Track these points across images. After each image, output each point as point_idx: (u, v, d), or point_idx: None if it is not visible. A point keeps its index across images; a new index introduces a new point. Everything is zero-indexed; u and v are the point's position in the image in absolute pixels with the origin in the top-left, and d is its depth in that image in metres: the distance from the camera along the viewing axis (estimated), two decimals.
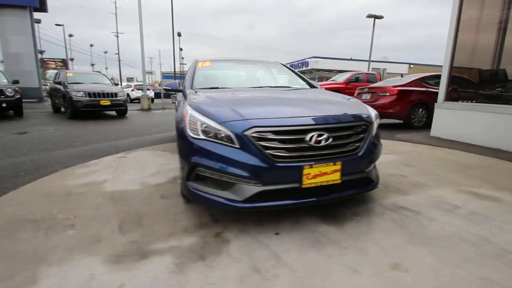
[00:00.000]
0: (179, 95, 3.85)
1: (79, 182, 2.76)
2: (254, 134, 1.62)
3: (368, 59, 25.31)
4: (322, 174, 1.68)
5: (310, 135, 1.66)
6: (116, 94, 8.12)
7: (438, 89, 6.04)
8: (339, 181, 1.74)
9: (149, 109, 11.78)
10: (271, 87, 2.81)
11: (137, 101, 16.49)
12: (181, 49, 21.17)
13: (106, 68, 42.22)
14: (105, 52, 44.97)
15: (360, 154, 1.81)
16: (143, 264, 1.49)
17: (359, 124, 1.86)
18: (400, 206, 2.16)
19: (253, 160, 1.60)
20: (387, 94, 6.11)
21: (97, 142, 4.78)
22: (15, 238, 1.75)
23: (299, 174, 1.64)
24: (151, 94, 17.55)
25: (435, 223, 1.91)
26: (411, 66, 35.01)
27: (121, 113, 8.81)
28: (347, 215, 2.00)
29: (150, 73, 54.40)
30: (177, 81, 3.08)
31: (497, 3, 4.49)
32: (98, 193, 2.48)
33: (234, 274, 1.41)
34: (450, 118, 4.76)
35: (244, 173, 1.61)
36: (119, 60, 40.11)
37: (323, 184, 1.71)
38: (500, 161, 3.48)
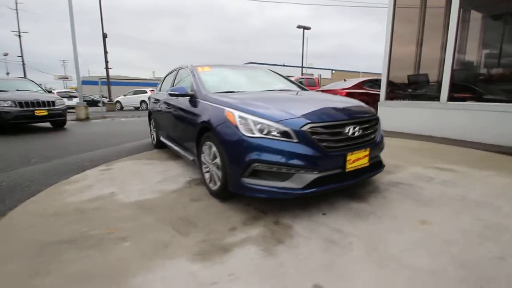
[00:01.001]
0: (162, 101, 3.77)
1: (81, 198, 2.50)
2: (309, 130, 1.89)
3: (298, 65, 27.84)
4: (358, 159, 2.06)
5: (348, 128, 2.03)
6: (53, 103, 7.03)
7: (374, 91, 7.31)
8: (367, 164, 2.15)
9: (87, 118, 10.46)
10: (281, 90, 3.08)
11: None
12: (106, 52, 18.68)
13: (8, 73, 34.68)
14: (5, 55, 37.11)
15: (377, 141, 2.27)
16: (231, 256, 1.59)
17: (374, 118, 2.32)
18: (396, 182, 2.72)
19: (311, 151, 1.87)
20: (338, 95, 7.06)
21: (59, 157, 4.18)
22: (65, 260, 1.59)
23: (344, 160, 1.98)
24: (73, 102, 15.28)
25: (426, 190, 2.50)
26: (333, 72, 39.84)
27: (59, 124, 7.66)
28: (365, 194, 2.44)
29: (66, 78, 47.32)
30: (183, 86, 3.03)
31: (415, 27, 5.81)
32: (117, 205, 2.33)
33: (315, 248, 1.65)
34: (391, 113, 5.87)
35: (304, 163, 1.86)
36: (23, 64, 33.80)
37: (358, 168, 2.09)
38: (435, 144, 4.53)
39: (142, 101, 18.94)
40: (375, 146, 2.24)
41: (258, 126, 1.93)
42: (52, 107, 6.97)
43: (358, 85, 7.36)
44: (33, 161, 3.92)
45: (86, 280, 1.42)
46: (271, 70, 3.87)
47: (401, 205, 2.21)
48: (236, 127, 2.00)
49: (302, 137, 1.87)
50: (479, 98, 4.76)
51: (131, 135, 6.31)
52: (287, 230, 1.85)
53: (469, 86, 4.94)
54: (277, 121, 1.92)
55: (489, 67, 5.06)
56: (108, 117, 11.78)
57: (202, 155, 2.54)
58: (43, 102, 6.82)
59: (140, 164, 3.69)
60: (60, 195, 2.61)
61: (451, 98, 4.92)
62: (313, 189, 1.92)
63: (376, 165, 2.37)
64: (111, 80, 19.86)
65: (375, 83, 7.59)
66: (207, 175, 2.53)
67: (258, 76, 3.52)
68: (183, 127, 3.02)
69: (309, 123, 1.90)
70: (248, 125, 1.97)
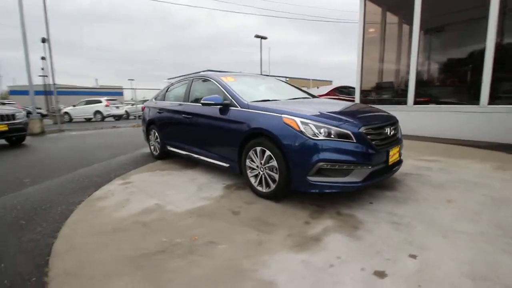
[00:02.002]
0: (172, 111, 3.77)
1: (129, 212, 2.43)
2: (364, 131, 2.23)
3: (253, 73, 28.79)
4: (394, 154, 2.47)
5: (387, 128, 2.43)
6: (13, 116, 6.19)
7: (345, 96, 8.16)
8: (398, 159, 2.59)
9: (42, 132, 9.30)
10: (304, 98, 3.38)
11: None
12: (43, 58, 16.52)
13: None
14: None
15: (401, 139, 2.73)
16: (326, 243, 1.81)
17: (396, 120, 2.78)
18: (405, 173, 3.24)
19: (366, 150, 2.20)
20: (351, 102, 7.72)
21: (56, 175, 3.80)
22: (175, 268, 1.62)
23: (387, 155, 2.36)
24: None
25: (432, 177, 3.05)
26: (287, 79, 41.97)
27: (19, 139, 6.74)
28: (390, 184, 2.87)
29: None
30: (216, 95, 3.08)
31: (378, 46, 6.76)
32: (174, 215, 2.34)
33: (387, 229, 1.97)
34: None
35: (362, 160, 2.19)
36: None
37: (394, 161, 2.50)
38: (414, 141, 5.33)
39: (97, 112, 17.43)
40: (401, 142, 2.70)
41: (321, 130, 2.20)
42: (12, 121, 6.13)
43: (332, 92, 8.14)
44: (28, 182, 3.51)
45: (215, 281, 1.49)
46: (278, 79, 4.17)
47: (424, 189, 2.69)
48: (301, 132, 2.23)
49: (360, 138, 2.20)
50: (437, 102, 5.76)
51: (114, 149, 5.93)
52: (353, 219, 2.14)
53: (428, 92, 5.95)
54: (337, 125, 2.22)
55: (439, 75, 6.17)
56: (66, 130, 10.64)
57: (248, 161, 2.69)
58: (1, 116, 5.97)
59: (158, 175, 3.60)
60: (101, 212, 2.48)
61: (416, 102, 5.85)
62: (369, 182, 2.26)
63: (400, 160, 2.83)
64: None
65: (344, 90, 8.48)
66: (253, 179, 2.68)
67: (275, 85, 3.78)
68: (215, 135, 3.10)
69: (363, 125, 2.25)
70: (311, 129, 2.22)
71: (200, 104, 3.22)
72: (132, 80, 32.76)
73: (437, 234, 1.88)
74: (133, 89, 19.01)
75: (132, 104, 18.74)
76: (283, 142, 2.31)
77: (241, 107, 2.82)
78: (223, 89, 3.13)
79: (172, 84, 4.42)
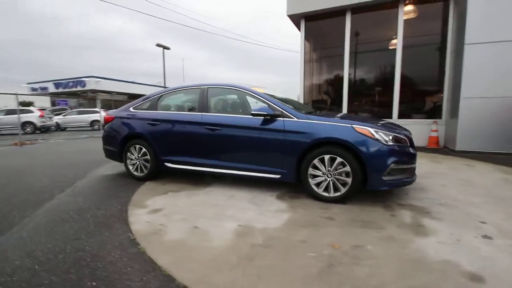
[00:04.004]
0: (181, 122, 3.43)
1: (223, 239, 2.08)
2: (410, 137, 2.85)
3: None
4: None
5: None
6: None
7: None
8: None
9: None
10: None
11: None
12: None
13: None
14: None
15: None
16: (429, 227, 2.25)
17: None
18: None
19: (413, 151, 2.82)
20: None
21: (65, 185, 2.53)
22: (365, 275, 1.64)
23: (416, 157, 3.08)
24: None
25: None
26: None
27: None
28: None
29: None
30: (265, 106, 2.89)
31: (310, 72, 8.09)
32: (274, 231, 2.20)
33: (445, 209, 2.61)
34: None
35: (412, 160, 2.78)
36: None
37: None
38: None
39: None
40: None
41: (390, 137, 2.66)
42: None
43: None
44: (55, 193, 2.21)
45: (410, 273, 1.63)
46: None
47: (434, 180, 3.58)
48: (377, 140, 2.61)
49: (410, 142, 2.81)
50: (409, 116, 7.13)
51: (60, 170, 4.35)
52: (416, 207, 2.69)
53: (355, 110, 7.57)
54: (398, 133, 2.74)
55: (364, 97, 8.00)
56: None
57: (310, 169, 2.81)
58: None
59: (182, 196, 3.07)
60: (185, 246, 1.98)
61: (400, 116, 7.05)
62: (415, 177, 2.88)
63: None
64: None
65: None
66: (315, 187, 2.83)
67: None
68: (263, 146, 3.01)
69: (409, 134, 2.86)
70: (382, 137, 2.64)
71: (236, 115, 3.05)
72: None
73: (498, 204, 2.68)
74: None
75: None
76: (360, 149, 2.62)
77: (298, 118, 2.92)
78: (266, 100, 3.10)
79: (163, 92, 3.82)
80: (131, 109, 3.92)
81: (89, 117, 17.41)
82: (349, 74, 7.19)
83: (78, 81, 27.12)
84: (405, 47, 6.51)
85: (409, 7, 6.48)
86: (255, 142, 3.07)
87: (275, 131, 2.96)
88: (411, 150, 2.81)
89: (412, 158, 2.80)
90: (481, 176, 3.80)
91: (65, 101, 18.71)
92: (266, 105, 3.05)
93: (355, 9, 6.83)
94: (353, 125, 2.73)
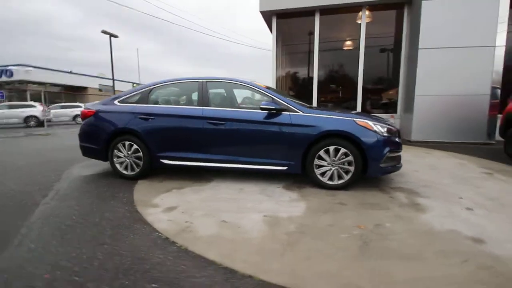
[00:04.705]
0: (180, 117, 3.34)
1: (258, 229, 2.14)
2: (398, 128, 3.25)
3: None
4: None
5: None
6: None
7: None
8: None
9: None
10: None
11: None
12: None
13: None
14: None
15: None
16: (425, 205, 2.64)
17: None
18: None
19: (399, 140, 3.23)
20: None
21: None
22: (406, 245, 1.89)
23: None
24: None
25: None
26: (135, 84, 38.00)
27: None
28: None
29: None
30: (270, 101, 2.91)
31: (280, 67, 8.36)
32: (299, 218, 2.35)
33: (434, 190, 3.07)
34: None
35: (400, 148, 3.18)
36: None
37: None
38: None
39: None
40: None
41: (385, 129, 2.99)
42: None
43: None
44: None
45: (426, 244, 1.94)
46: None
47: (406, 167, 4.09)
48: (375, 131, 2.91)
49: (399, 132, 3.20)
50: None
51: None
52: (407, 190, 3.10)
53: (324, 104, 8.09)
54: (390, 125, 3.10)
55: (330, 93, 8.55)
56: None
57: (316, 159, 3.01)
58: None
59: (189, 193, 2.97)
60: (220, 240, 1.98)
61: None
62: (401, 164, 3.30)
63: None
64: None
65: None
66: (320, 177, 3.05)
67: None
68: (270, 140, 3.09)
69: (395, 125, 3.27)
70: (379, 129, 2.96)
71: (240, 109, 3.10)
72: None
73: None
74: None
75: None
76: (362, 140, 2.90)
77: (303, 112, 3.08)
78: (270, 95, 3.19)
79: (154, 85, 3.58)
80: (116, 102, 3.61)
81: (23, 112, 15.06)
82: (318, 71, 7.65)
83: (3, 70, 23.00)
84: (365, 48, 7.20)
85: (368, 12, 7.17)
86: (261, 136, 3.15)
87: (282, 125, 3.08)
88: (398, 139, 3.22)
89: (399, 146, 3.20)
90: (441, 161, 4.51)
91: (1, 92, 15.85)
92: (271, 99, 3.14)
93: (323, 10, 7.27)
94: (354, 119, 3.01)
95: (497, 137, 5.78)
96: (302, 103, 3.33)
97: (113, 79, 21.93)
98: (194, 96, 3.45)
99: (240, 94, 4.32)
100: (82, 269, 1.63)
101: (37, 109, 15.08)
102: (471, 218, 2.33)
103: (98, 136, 3.54)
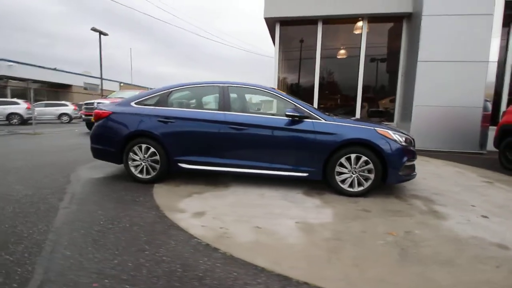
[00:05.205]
0: (204, 121, 3.32)
1: (296, 234, 2.16)
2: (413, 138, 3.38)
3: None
4: None
5: None
6: None
7: None
8: None
9: None
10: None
11: None
12: None
13: None
14: None
15: None
16: (443, 212, 2.76)
17: None
18: None
19: (415, 150, 3.36)
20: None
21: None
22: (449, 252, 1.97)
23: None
24: None
25: None
26: (122, 84, 37.07)
27: None
28: None
29: None
30: (296, 108, 2.93)
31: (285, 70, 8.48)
32: (330, 224, 2.39)
33: (450, 196, 3.21)
34: None
35: (416, 158, 3.31)
36: None
37: None
38: None
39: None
40: None
41: (403, 138, 3.11)
42: None
43: None
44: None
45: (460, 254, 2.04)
46: None
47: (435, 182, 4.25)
48: (395, 140, 3.02)
49: (414, 143, 3.33)
50: None
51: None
52: (423, 197, 3.22)
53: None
54: (407, 134, 3.23)
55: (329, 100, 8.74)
56: None
57: (337, 167, 3.08)
58: None
59: (211, 198, 2.95)
60: (262, 247, 1.99)
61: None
62: (416, 172, 3.43)
63: None
64: None
65: None
66: (340, 183, 3.12)
67: None
68: (293, 146, 3.14)
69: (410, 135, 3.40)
70: (398, 138, 3.07)
71: (263, 115, 3.12)
72: None
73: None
74: None
75: None
76: (383, 148, 3.00)
77: (325, 120, 3.15)
78: (293, 102, 3.24)
79: (173, 88, 3.54)
80: (132, 104, 3.53)
81: (5, 109, 14.31)
82: (319, 78, 7.82)
83: None
84: (365, 57, 7.45)
85: (364, 24, 7.44)
86: (283, 142, 3.18)
87: (305, 132, 3.13)
88: (413, 148, 3.35)
89: (415, 155, 3.34)
90: (441, 170, 4.72)
91: None
92: (294, 106, 3.20)
93: (326, 20, 7.47)
94: (375, 128, 3.11)
95: (488, 147, 6.13)
96: (322, 111, 3.41)
97: (101, 78, 21.29)
98: (214, 101, 3.44)
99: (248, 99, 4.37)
100: (131, 277, 1.59)
101: (21, 107, 14.40)
102: (490, 225, 2.46)
103: (113, 138, 3.45)
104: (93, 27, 20.08)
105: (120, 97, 11.36)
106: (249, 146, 3.26)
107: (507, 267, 1.81)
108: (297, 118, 3.14)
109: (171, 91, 3.54)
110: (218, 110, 3.35)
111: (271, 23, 7.81)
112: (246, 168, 3.26)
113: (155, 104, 3.49)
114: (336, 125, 3.14)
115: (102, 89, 21.39)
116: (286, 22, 7.70)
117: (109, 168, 4.21)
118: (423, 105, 6.37)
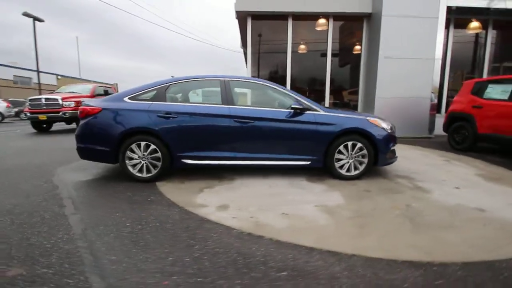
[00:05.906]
0: (206, 115, 3.31)
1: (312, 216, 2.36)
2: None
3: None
4: None
5: None
6: None
7: None
8: None
9: None
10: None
11: None
12: None
13: None
14: None
15: None
16: (432, 189, 3.25)
17: None
18: None
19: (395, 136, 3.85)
20: None
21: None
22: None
23: None
24: None
25: None
26: (59, 77, 32.76)
27: None
28: None
29: None
30: (297, 101, 3.01)
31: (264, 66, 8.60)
32: (346, 205, 2.66)
33: (429, 173, 3.76)
34: None
35: (396, 143, 3.80)
36: None
37: None
38: None
39: None
40: None
41: (389, 126, 3.53)
42: None
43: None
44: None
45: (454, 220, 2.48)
46: None
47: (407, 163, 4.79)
48: (383, 128, 3.42)
49: (395, 130, 3.81)
50: None
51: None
52: (411, 177, 3.71)
53: None
54: (390, 122, 3.67)
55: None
56: None
57: (336, 154, 3.38)
58: None
59: (224, 190, 2.98)
60: (299, 231, 2.15)
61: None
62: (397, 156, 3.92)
63: None
64: None
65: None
66: (339, 169, 3.43)
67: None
68: (296, 137, 3.32)
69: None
70: (385, 126, 3.48)
71: (266, 108, 3.28)
72: None
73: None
74: None
75: None
76: (375, 135, 3.38)
77: (324, 112, 3.40)
78: (295, 96, 3.42)
79: (171, 82, 3.40)
80: (126, 99, 3.31)
81: None
82: (291, 71, 8.15)
83: None
84: (331, 54, 8.00)
85: (330, 21, 7.98)
86: (287, 133, 3.35)
87: (307, 123, 3.34)
88: (395, 135, 3.83)
89: (396, 141, 3.82)
90: (408, 152, 5.43)
91: None
92: (295, 99, 3.38)
93: (296, 16, 7.78)
94: (367, 117, 3.47)
95: (436, 131, 7.20)
96: (319, 103, 3.66)
97: (38, 71, 18.60)
98: (216, 94, 3.42)
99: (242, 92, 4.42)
100: (198, 271, 1.60)
101: None
102: (464, 195, 3.01)
103: (106, 136, 3.20)
104: (25, 12, 17.33)
105: (70, 91, 10.21)
106: (255, 139, 3.35)
107: (492, 225, 2.28)
108: (298, 111, 3.33)
109: (169, 85, 3.41)
110: (222, 104, 3.36)
111: (242, 16, 7.82)
112: (253, 160, 3.36)
113: (152, 99, 3.33)
114: (334, 116, 3.42)
115: (40, 83, 18.74)
116: (257, 17, 7.80)
117: (93, 169, 3.88)
118: (383, 97, 7.16)
